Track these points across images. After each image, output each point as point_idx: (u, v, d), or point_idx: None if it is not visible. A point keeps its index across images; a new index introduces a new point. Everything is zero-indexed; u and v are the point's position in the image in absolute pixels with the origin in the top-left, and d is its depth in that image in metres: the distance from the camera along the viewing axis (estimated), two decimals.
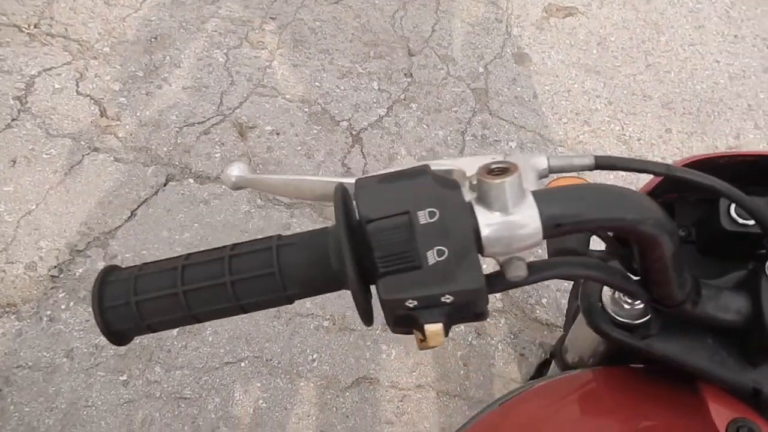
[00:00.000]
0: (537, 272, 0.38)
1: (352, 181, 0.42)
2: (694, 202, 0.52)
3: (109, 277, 0.37)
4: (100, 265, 1.63)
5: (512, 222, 0.32)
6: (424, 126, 2.03)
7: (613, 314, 0.47)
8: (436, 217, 0.32)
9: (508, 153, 0.41)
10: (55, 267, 1.62)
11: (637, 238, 0.36)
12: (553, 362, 0.81)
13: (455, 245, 0.32)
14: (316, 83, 2.09)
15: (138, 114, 1.95)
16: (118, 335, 0.37)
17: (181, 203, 1.76)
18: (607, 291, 0.48)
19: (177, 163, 1.84)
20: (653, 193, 0.52)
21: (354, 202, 0.35)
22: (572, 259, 0.40)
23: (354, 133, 1.97)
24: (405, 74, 2.18)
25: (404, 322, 0.34)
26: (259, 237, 0.38)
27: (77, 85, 1.99)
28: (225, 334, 1.53)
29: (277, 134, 1.94)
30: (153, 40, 2.15)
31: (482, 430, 0.50)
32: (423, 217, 0.32)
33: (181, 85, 2.03)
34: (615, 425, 0.47)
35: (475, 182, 0.35)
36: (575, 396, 0.51)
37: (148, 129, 1.91)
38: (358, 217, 0.34)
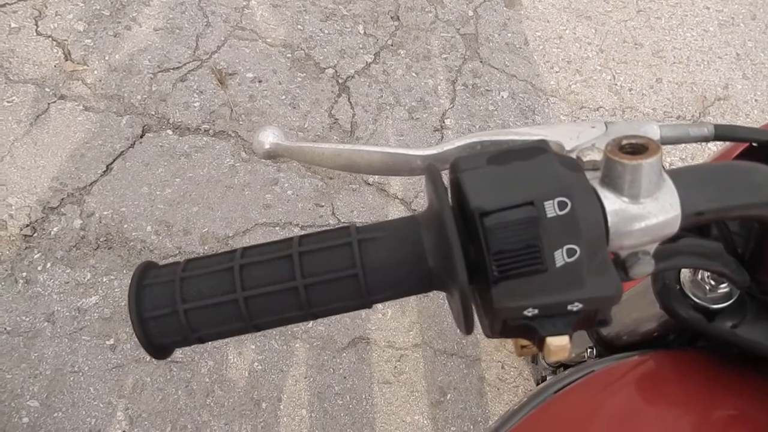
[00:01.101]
0: (656, 263, 0.32)
1: (423, 153, 0.36)
2: None
3: (147, 278, 0.30)
4: (77, 223, 1.53)
5: (647, 211, 0.27)
6: (413, 74, 1.94)
7: (693, 297, 0.43)
8: (567, 209, 0.25)
9: (610, 121, 0.35)
10: (28, 226, 1.51)
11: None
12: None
13: (587, 243, 0.26)
14: (299, 26, 1.95)
15: (106, 58, 1.79)
16: (162, 349, 0.30)
17: (160, 157, 1.65)
18: (686, 272, 0.44)
19: (153, 113, 1.71)
20: None
21: (447, 185, 0.29)
22: (691, 245, 0.35)
23: (340, 81, 1.86)
24: (392, 17, 2.05)
25: (517, 332, 0.28)
26: (331, 228, 0.31)
27: (36, 24, 1.81)
28: None
29: (260, 82, 1.82)
30: None
31: (543, 420, 0.47)
32: (551, 208, 0.26)
33: (152, 26, 1.87)
34: (687, 413, 0.44)
35: (591, 159, 0.29)
36: (641, 381, 0.48)
37: (118, 75, 1.76)
38: (454, 205, 0.27)
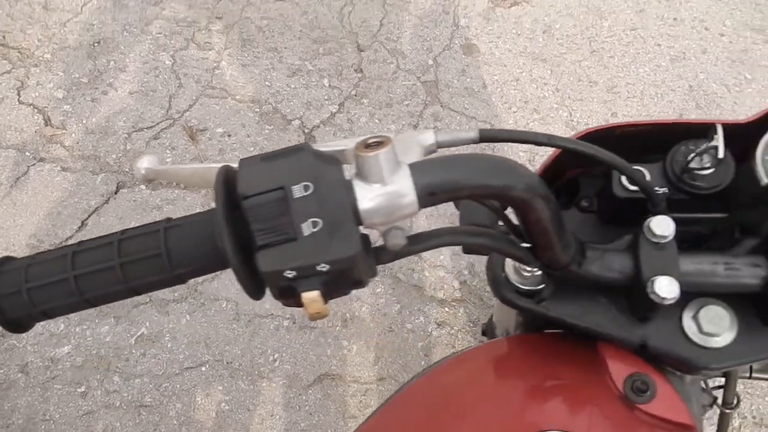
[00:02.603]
0: (422, 241, 0.40)
1: None
2: (597, 175, 0.56)
3: (2, 267, 0.38)
4: None
5: (388, 192, 0.34)
6: (376, 121, 2.06)
7: (515, 283, 0.50)
8: (311, 191, 0.33)
9: (399, 131, 0.44)
10: None
11: (512, 203, 0.39)
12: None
13: (330, 217, 0.34)
14: (266, 82, 2.10)
15: (84, 121, 1.92)
16: (13, 323, 0.38)
17: (134, 210, 1.75)
18: (510, 262, 0.51)
19: (127, 170, 1.83)
20: (554, 167, 0.55)
21: None
22: (457, 228, 0.43)
23: (306, 131, 1.99)
24: (355, 70, 2.20)
25: (286, 293, 0.35)
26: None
27: (18, 95, 1.95)
28: (184, 339, 1.53)
29: (229, 136, 1.94)
30: (96, 44, 2.11)
31: (404, 402, 0.53)
32: (298, 191, 0.33)
33: (128, 90, 2.01)
34: (523, 388, 0.51)
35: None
36: (488, 364, 0.55)
37: (95, 136, 1.89)
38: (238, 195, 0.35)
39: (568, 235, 0.44)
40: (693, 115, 2.29)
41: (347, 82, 2.15)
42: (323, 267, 0.34)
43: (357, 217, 0.35)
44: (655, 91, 2.34)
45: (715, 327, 0.46)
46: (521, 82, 2.28)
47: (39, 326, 1.53)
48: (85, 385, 1.44)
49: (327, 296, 0.35)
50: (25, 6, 2.17)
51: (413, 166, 0.36)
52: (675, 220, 0.50)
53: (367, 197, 0.35)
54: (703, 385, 0.74)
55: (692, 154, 0.48)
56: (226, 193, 0.34)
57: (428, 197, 0.36)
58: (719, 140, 0.47)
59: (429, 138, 0.41)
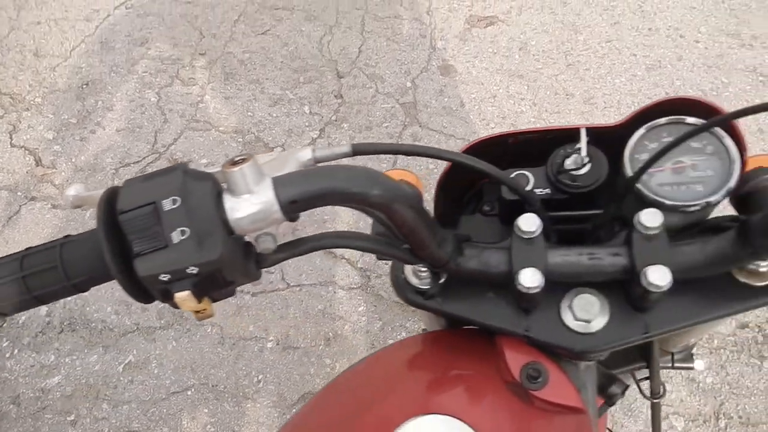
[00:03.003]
0: (297, 246, 0.45)
1: None
2: (496, 182, 0.60)
3: None
4: (43, 310, 1.67)
5: (253, 203, 0.39)
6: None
7: (414, 284, 0.54)
8: (179, 204, 0.39)
9: (283, 150, 0.48)
10: None
11: (373, 208, 0.43)
12: None
13: (198, 225, 0.39)
14: (249, 113, 2.18)
15: (73, 160, 2.00)
16: None
17: None
18: (409, 266, 0.55)
19: None
20: (454, 178, 0.59)
21: None
22: (332, 233, 0.47)
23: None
24: (335, 96, 2.27)
25: (164, 295, 0.40)
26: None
27: (11, 138, 2.04)
28: (170, 365, 1.58)
29: (213, 165, 2.01)
30: (84, 86, 2.21)
31: (324, 399, 0.58)
32: (167, 204, 0.39)
33: (115, 128, 2.10)
34: (424, 380, 0.55)
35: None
36: (397, 359, 0.59)
37: (84, 173, 1.97)
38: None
39: (442, 234, 0.48)
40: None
41: (327, 108, 2.23)
42: (192, 270, 0.39)
43: (227, 226, 0.40)
44: (632, 99, 2.39)
45: (586, 314, 0.49)
46: (498, 98, 2.35)
47: (30, 358, 1.58)
48: (74, 413, 1.48)
49: (200, 295, 0.40)
50: (17, 54, 2.28)
51: (276, 179, 0.41)
52: (559, 217, 0.54)
53: (235, 208, 0.40)
54: (631, 376, 0.77)
55: (564, 157, 0.52)
56: (107, 211, 0.40)
57: (290, 206, 0.40)
58: (582, 143, 0.51)
59: (307, 154, 0.47)
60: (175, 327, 1.65)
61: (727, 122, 0.51)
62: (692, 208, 0.49)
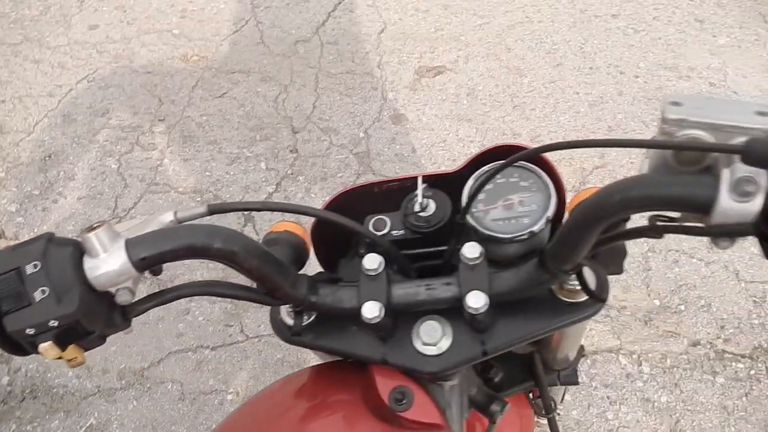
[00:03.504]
0: (163, 295, 0.52)
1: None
2: None
3: None
4: (5, 380, 1.70)
5: (108, 262, 0.46)
6: (312, 195, 2.21)
7: (289, 324, 0.60)
8: (39, 267, 0.46)
9: (147, 215, 0.56)
10: None
11: (217, 259, 0.50)
12: None
13: (57, 284, 0.46)
14: (207, 173, 2.27)
15: (35, 230, 2.07)
16: None
17: None
18: (284, 307, 0.62)
19: None
20: (319, 228, 0.65)
21: None
22: (197, 282, 0.54)
23: (246, 213, 2.13)
24: (290, 150, 2.38)
25: (32, 347, 0.46)
26: None
27: None
28: (131, 425, 1.60)
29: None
30: (47, 158, 2.30)
31: (230, 424, 0.63)
32: (30, 268, 0.46)
33: (77, 196, 2.17)
34: (304, 415, 0.61)
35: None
36: (282, 394, 0.65)
37: None
38: None
39: (295, 277, 0.55)
40: (614, 154, 2.45)
41: (283, 163, 2.33)
42: (53, 323, 0.46)
43: (87, 284, 0.47)
44: (576, 135, 2.52)
45: (431, 338, 0.55)
46: (448, 142, 2.47)
47: None
48: None
49: (63, 345, 0.46)
50: None
51: (128, 240, 0.48)
52: (416, 254, 0.61)
53: (93, 267, 0.47)
54: (530, 396, 0.82)
55: (409, 202, 0.60)
56: None
57: (141, 263, 0.47)
58: (419, 189, 0.59)
59: (168, 216, 0.54)
60: (135, 386, 1.68)
61: (541, 161, 0.59)
62: (520, 238, 0.55)
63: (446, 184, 0.61)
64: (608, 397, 1.67)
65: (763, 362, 1.76)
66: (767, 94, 2.78)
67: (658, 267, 2.00)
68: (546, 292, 0.56)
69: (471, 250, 0.53)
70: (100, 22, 3.00)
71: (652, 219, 0.45)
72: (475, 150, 2.43)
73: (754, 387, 1.70)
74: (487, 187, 0.59)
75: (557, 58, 2.95)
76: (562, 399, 1.01)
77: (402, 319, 0.57)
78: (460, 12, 3.23)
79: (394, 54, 2.91)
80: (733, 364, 1.75)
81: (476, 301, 0.51)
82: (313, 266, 0.66)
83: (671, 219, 0.44)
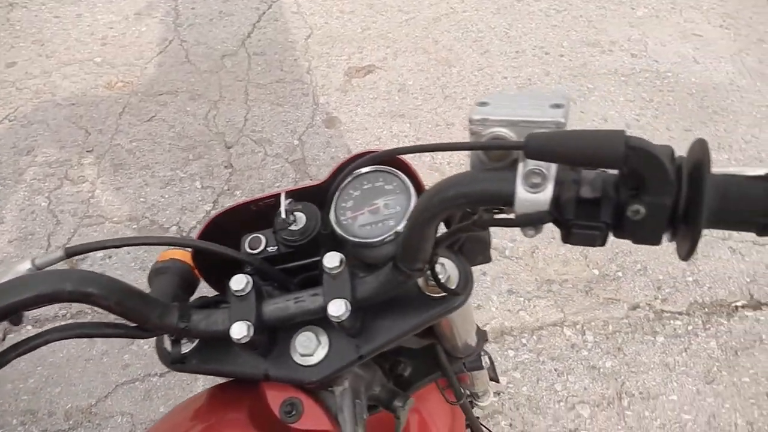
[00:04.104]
0: (26, 344, 0.53)
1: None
2: None
3: None
4: None
5: None
6: None
7: (173, 352, 0.61)
8: None
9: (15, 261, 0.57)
10: None
11: (72, 302, 0.50)
12: None
13: None
14: (141, 199, 2.25)
15: None
16: None
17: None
18: (166, 337, 0.62)
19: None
20: (198, 254, 0.67)
21: None
22: (60, 326, 0.55)
23: (184, 233, 2.12)
24: (225, 166, 2.38)
25: None
26: None
27: None
28: None
29: (110, 257, 2.06)
30: None
31: None
32: None
33: (6, 240, 2.13)
34: (204, 427, 0.62)
35: None
36: (183, 415, 0.66)
37: None
38: None
39: (162, 307, 0.55)
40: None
41: (219, 180, 2.33)
42: None
43: None
44: None
45: (307, 349, 0.57)
46: (383, 139, 2.50)
47: None
48: None
49: None
50: None
51: None
52: (298, 266, 0.63)
53: None
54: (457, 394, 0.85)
55: (279, 218, 0.62)
56: None
57: None
58: (282, 205, 0.61)
59: (26, 265, 0.55)
60: (84, 425, 1.65)
61: (402, 163, 0.62)
62: (387, 240, 0.56)
63: (319, 195, 0.63)
64: (556, 370, 1.72)
65: (699, 316, 1.84)
66: (686, 60, 2.89)
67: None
68: (414, 288, 0.58)
69: (330, 260, 0.55)
70: (18, 58, 2.95)
71: (480, 212, 0.47)
72: (410, 143, 2.47)
73: (692, 341, 1.78)
74: (355, 193, 0.61)
75: (484, 45, 3.02)
76: (495, 376, 1.04)
77: (282, 332, 0.59)
78: (385, 10, 3.28)
79: (323, 58, 2.94)
80: (672, 322, 1.83)
81: (336, 309, 0.52)
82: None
83: (501, 211, 0.47)
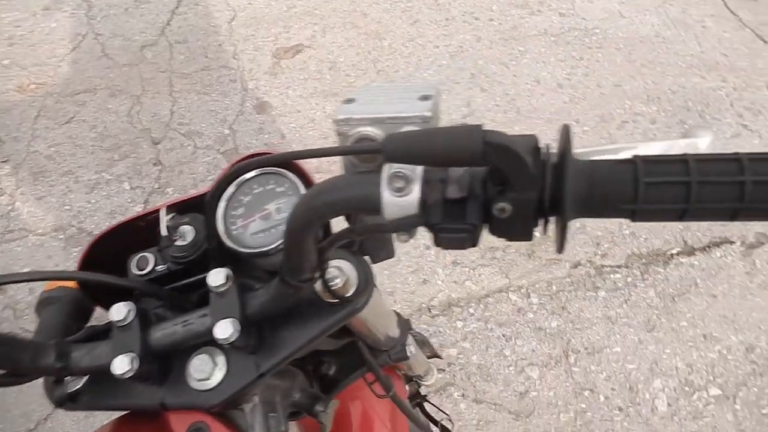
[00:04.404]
0: None
1: None
2: None
3: None
4: None
5: None
6: None
7: (64, 390, 0.57)
8: None
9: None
10: None
11: None
12: None
13: None
14: (66, 207, 2.15)
15: None
16: None
17: None
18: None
19: None
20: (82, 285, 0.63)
21: None
22: None
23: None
24: (154, 164, 2.29)
25: None
26: None
27: None
28: None
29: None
30: None
31: None
32: None
33: None
34: None
35: None
36: None
37: None
38: None
39: (35, 348, 0.51)
40: (479, 100, 2.52)
41: (148, 178, 2.24)
42: None
43: None
44: (442, 87, 2.56)
45: (202, 373, 0.53)
46: (317, 121, 2.45)
47: None
48: None
49: None
50: None
51: None
52: (188, 285, 0.59)
53: None
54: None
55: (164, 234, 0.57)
56: None
57: None
58: (162, 221, 0.57)
59: None
60: None
61: (292, 164, 0.59)
62: (282, 247, 0.51)
63: (207, 204, 0.59)
64: (504, 335, 1.75)
65: (637, 267, 1.89)
66: (613, 16, 2.93)
67: None
68: (312, 295, 0.54)
69: (215, 278, 0.51)
70: None
71: (360, 217, 0.45)
72: None
73: (632, 293, 1.83)
74: (246, 199, 0.58)
75: (413, 15, 2.98)
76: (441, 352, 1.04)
77: (177, 357, 0.55)
78: None
79: (249, 41, 2.85)
80: (612, 276, 1.87)
81: (223, 331, 0.49)
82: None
83: None
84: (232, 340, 0.49)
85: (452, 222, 0.37)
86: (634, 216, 0.35)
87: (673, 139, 0.45)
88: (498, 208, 0.35)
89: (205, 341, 0.53)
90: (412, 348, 0.79)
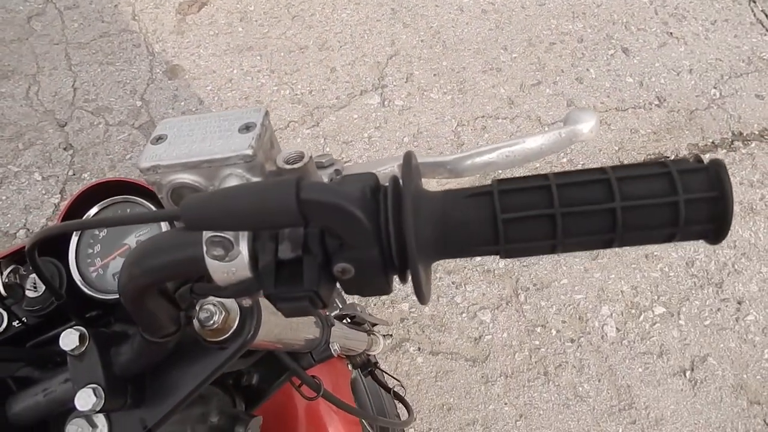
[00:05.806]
0: None
1: None
2: None
3: None
4: None
5: None
6: None
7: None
8: None
9: None
10: None
11: None
12: None
13: None
14: None
15: None
16: None
17: None
18: None
19: None
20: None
21: None
22: None
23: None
24: (64, 148, 2.14)
25: None
26: None
27: None
28: None
29: None
30: None
31: None
32: None
33: None
34: None
35: None
36: None
37: None
38: None
39: None
40: (404, 37, 2.43)
41: (61, 165, 2.10)
42: None
43: None
44: (363, 29, 2.46)
45: None
46: (235, 80, 2.32)
47: None
48: None
49: None
50: None
51: None
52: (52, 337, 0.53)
53: None
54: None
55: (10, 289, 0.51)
56: None
57: None
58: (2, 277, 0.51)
59: None
60: None
61: (148, 189, 0.53)
62: None
63: (61, 243, 0.53)
64: (453, 283, 1.76)
65: None
66: None
67: (469, 138, 2.07)
68: (192, 339, 0.48)
69: (67, 341, 0.44)
70: None
71: (194, 281, 0.40)
72: (264, 80, 2.32)
73: None
74: (101, 234, 0.52)
75: None
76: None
77: (53, 424, 0.50)
78: None
79: None
80: None
81: (84, 403, 0.43)
82: None
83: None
84: (96, 409, 0.44)
85: (287, 288, 0.32)
86: (501, 255, 0.31)
87: (557, 129, 0.42)
88: (338, 270, 0.31)
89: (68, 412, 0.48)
90: (336, 346, 0.77)
